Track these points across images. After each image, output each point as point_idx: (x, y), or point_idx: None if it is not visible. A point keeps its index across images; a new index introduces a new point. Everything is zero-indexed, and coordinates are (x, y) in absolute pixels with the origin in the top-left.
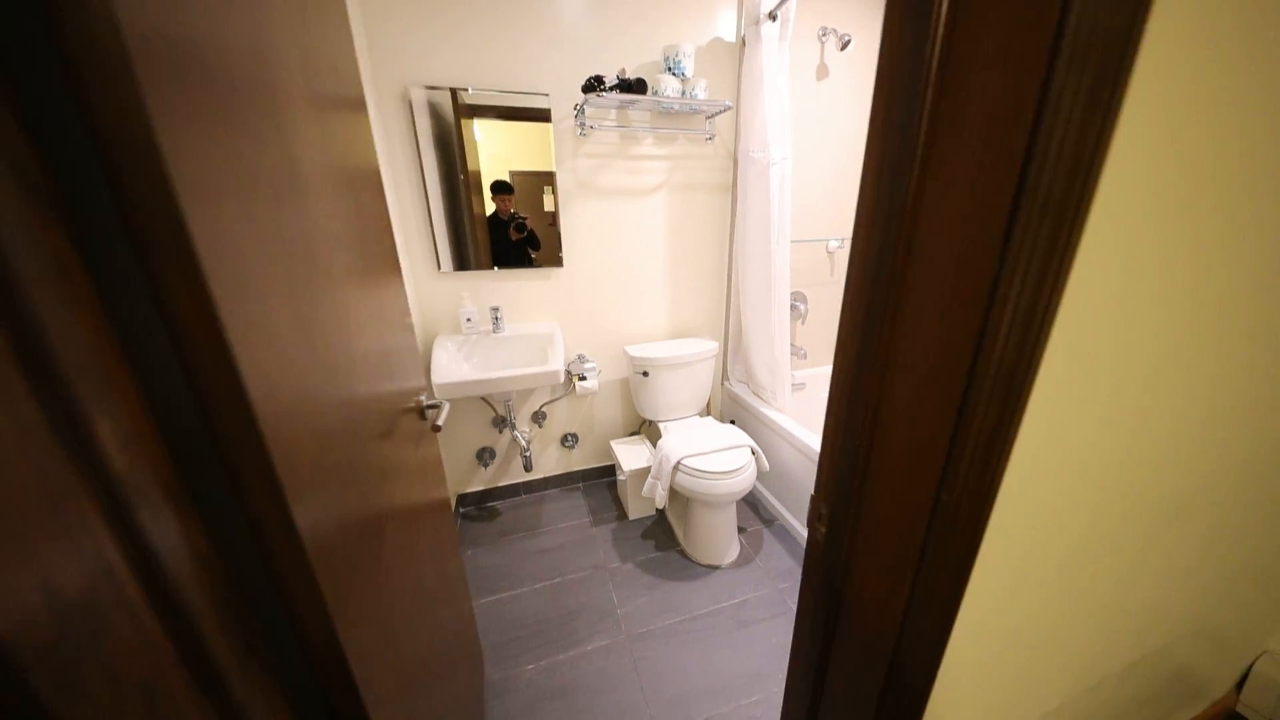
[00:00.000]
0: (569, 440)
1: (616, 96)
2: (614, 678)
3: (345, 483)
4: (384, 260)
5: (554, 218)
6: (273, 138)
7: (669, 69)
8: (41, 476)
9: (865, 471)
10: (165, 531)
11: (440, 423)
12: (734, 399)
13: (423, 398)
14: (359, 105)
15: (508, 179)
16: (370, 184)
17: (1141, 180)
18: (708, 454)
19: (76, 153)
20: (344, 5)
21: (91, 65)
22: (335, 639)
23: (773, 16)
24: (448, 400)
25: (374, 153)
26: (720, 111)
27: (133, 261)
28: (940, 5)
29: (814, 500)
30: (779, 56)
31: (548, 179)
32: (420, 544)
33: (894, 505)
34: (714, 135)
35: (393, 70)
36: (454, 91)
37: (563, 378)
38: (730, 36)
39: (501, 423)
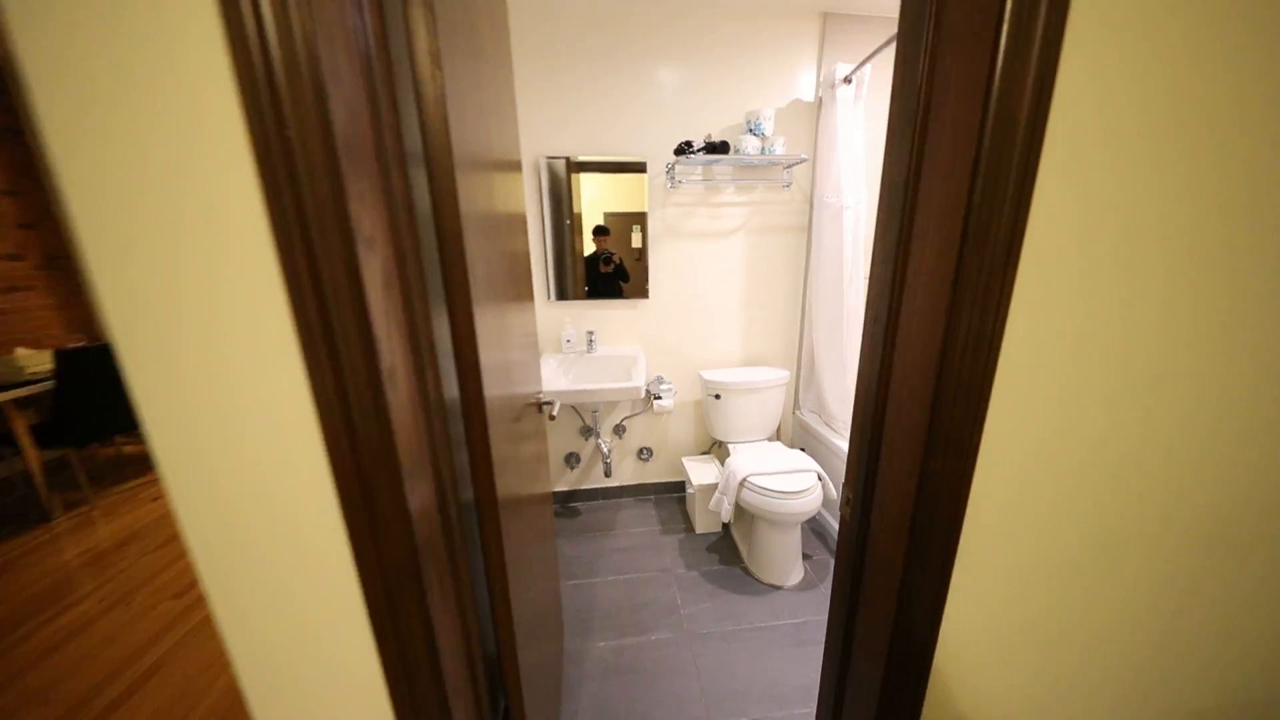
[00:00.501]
0: (644, 454)
1: (703, 157)
2: (673, 667)
3: (508, 462)
4: (527, 288)
5: (640, 253)
6: (495, 193)
7: (750, 130)
8: (417, 435)
9: (876, 457)
10: (424, 491)
11: (554, 414)
12: (804, 427)
13: (541, 395)
14: (519, 169)
15: (603, 220)
16: (522, 227)
17: (1052, 234)
18: (774, 474)
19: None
20: (515, 106)
21: (441, 166)
22: (505, 578)
23: (848, 80)
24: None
25: (523, 204)
26: (797, 163)
27: (436, 284)
28: (915, 144)
29: (843, 488)
30: (853, 114)
31: (637, 219)
32: (537, 522)
33: (896, 479)
34: (791, 183)
35: (530, 144)
36: (568, 159)
37: (643, 394)
38: (808, 97)
39: (588, 432)
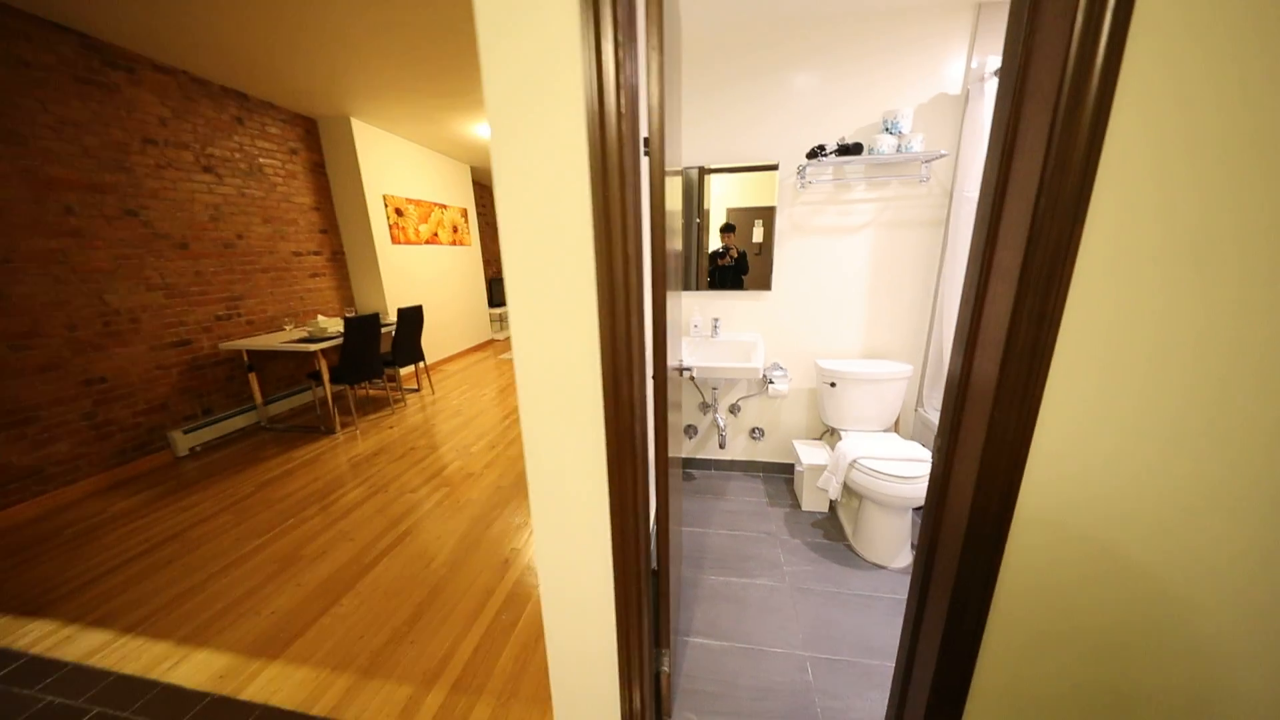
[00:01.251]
0: (756, 433)
1: (834, 159)
2: (774, 606)
3: (670, 413)
4: (678, 279)
5: (760, 248)
6: (669, 198)
7: (886, 129)
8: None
9: (961, 409)
10: (643, 422)
11: (693, 376)
12: (926, 424)
13: (680, 364)
14: (675, 175)
15: (726, 217)
16: (677, 226)
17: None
18: (887, 460)
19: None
20: (680, 117)
21: (657, 178)
22: (667, 506)
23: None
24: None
25: (679, 204)
26: (936, 158)
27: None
28: (1003, 166)
29: (936, 436)
30: None
31: (759, 214)
32: (674, 473)
33: (972, 425)
34: (929, 178)
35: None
36: (701, 167)
37: (761, 376)
38: (954, 90)
39: (706, 408)
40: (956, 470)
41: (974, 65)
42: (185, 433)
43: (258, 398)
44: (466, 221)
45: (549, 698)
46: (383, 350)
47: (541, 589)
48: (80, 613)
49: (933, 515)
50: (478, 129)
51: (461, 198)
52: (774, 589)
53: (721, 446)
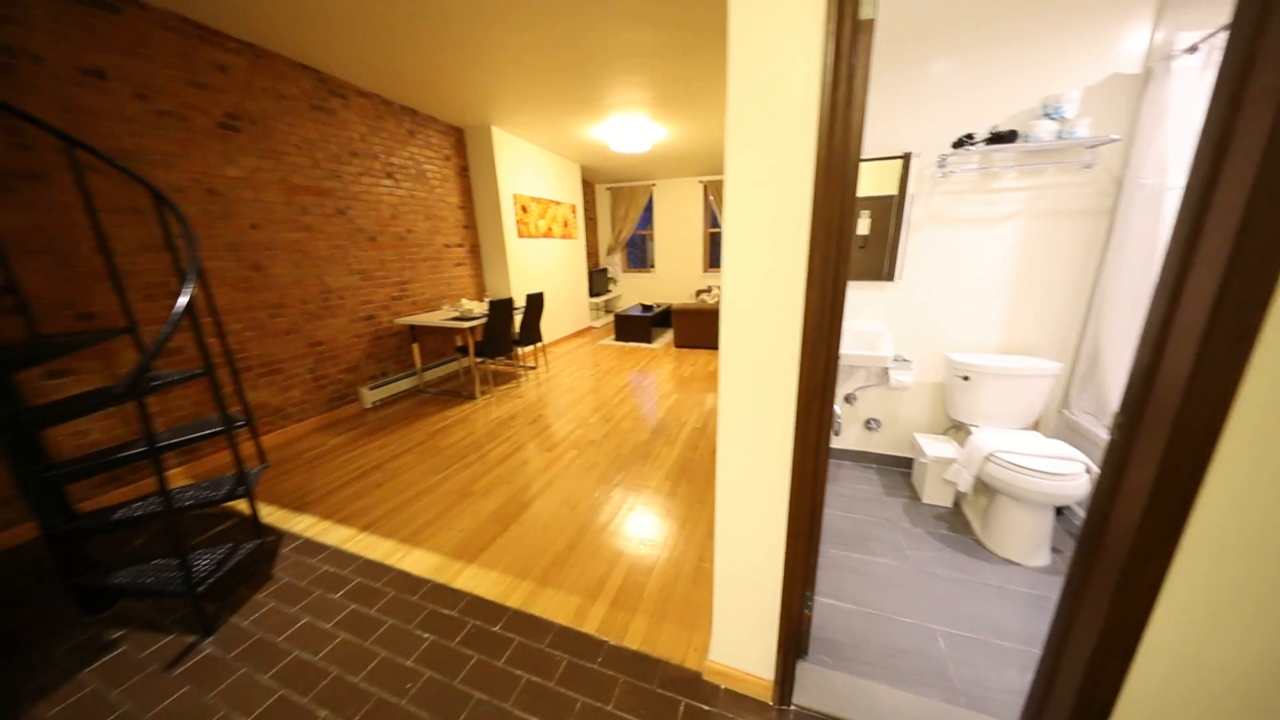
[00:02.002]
0: (872, 424)
1: (983, 147)
2: (897, 582)
3: None
4: None
5: (866, 240)
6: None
7: (1046, 115)
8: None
9: (1145, 396)
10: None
11: None
12: (1074, 428)
13: None
14: None
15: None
16: None
17: None
18: (1032, 455)
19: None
20: None
21: (852, 179)
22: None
23: (1193, 49)
24: None
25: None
26: (1105, 143)
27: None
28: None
29: (1116, 415)
30: (1196, 86)
31: (867, 204)
32: None
33: (1157, 415)
34: (1094, 164)
35: None
36: None
37: (886, 365)
38: (1131, 69)
39: None
40: (1132, 469)
41: (1158, 41)
42: (370, 389)
43: (418, 364)
44: (575, 216)
45: (694, 621)
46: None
47: (718, 516)
48: (329, 513)
49: (1098, 515)
50: (592, 130)
51: (572, 194)
52: (897, 568)
53: (836, 433)
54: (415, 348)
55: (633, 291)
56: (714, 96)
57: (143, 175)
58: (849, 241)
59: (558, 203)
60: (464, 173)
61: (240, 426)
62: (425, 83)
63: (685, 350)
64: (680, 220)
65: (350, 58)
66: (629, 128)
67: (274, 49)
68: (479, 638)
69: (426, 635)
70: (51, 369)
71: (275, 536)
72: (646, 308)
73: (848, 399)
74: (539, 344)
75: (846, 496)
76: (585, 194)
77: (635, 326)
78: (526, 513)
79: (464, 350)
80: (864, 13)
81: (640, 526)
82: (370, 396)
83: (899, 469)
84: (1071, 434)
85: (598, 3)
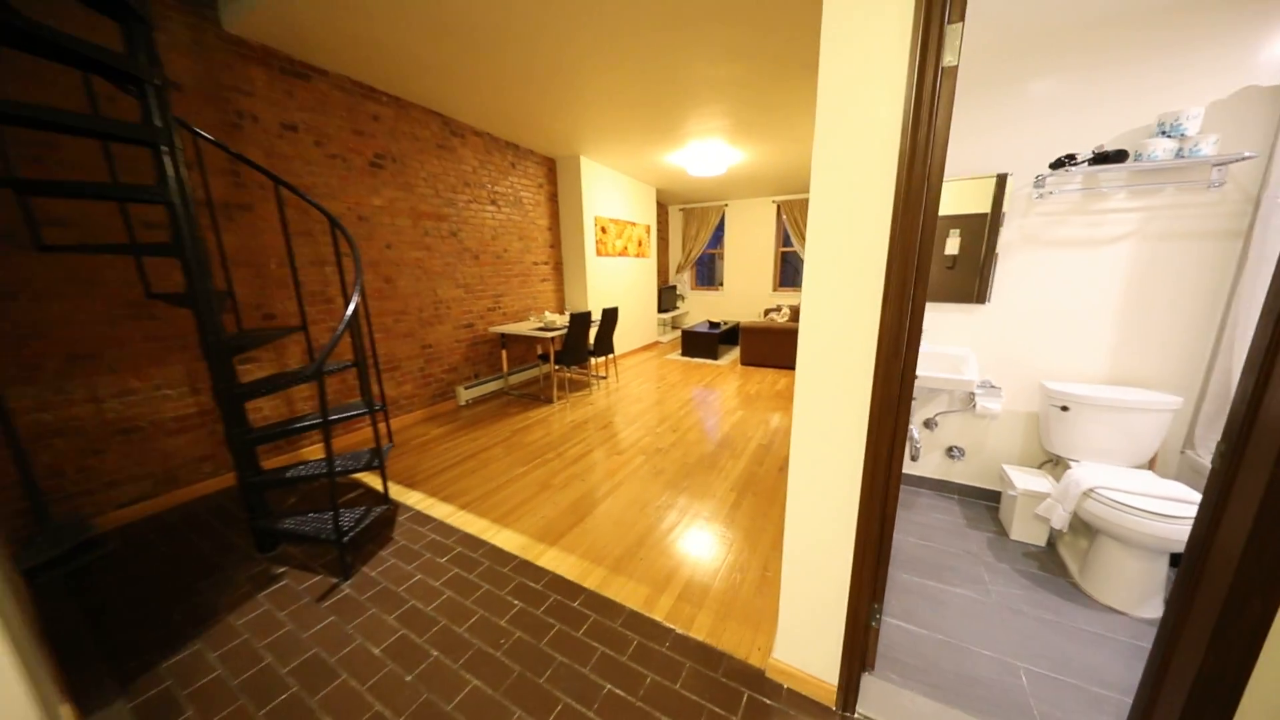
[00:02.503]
0: (955, 452)
1: (1086, 168)
2: (977, 614)
3: None
4: None
5: (955, 260)
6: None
7: (1163, 133)
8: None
9: (1249, 422)
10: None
11: None
12: (1200, 471)
13: None
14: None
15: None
16: None
17: None
18: (1141, 494)
19: None
20: None
21: (934, 195)
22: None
23: None
24: None
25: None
26: (1235, 160)
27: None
28: None
29: (1218, 443)
30: None
31: (958, 223)
32: None
33: (1262, 442)
34: (1223, 183)
35: None
36: None
37: (972, 390)
38: (1271, 80)
39: None
40: (1235, 498)
41: None
42: (466, 388)
43: (505, 369)
44: (649, 236)
45: (758, 624)
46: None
47: (789, 517)
48: (434, 491)
49: (1198, 548)
50: (670, 157)
51: (647, 215)
52: (977, 601)
53: (913, 459)
54: (504, 354)
55: (700, 308)
56: (792, 121)
57: (297, 206)
58: (927, 265)
59: (634, 223)
60: (553, 198)
61: (378, 410)
62: (527, 121)
63: (752, 368)
64: (751, 240)
65: (470, 103)
66: (706, 153)
67: (412, 100)
68: (560, 610)
69: (516, 602)
70: (243, 357)
71: (394, 506)
72: (713, 324)
73: (927, 424)
74: (610, 355)
75: (922, 524)
76: (659, 215)
77: (702, 343)
78: (599, 508)
79: (545, 358)
80: (946, 60)
81: (705, 532)
82: (465, 395)
83: (984, 501)
84: (1196, 476)
85: (692, 43)
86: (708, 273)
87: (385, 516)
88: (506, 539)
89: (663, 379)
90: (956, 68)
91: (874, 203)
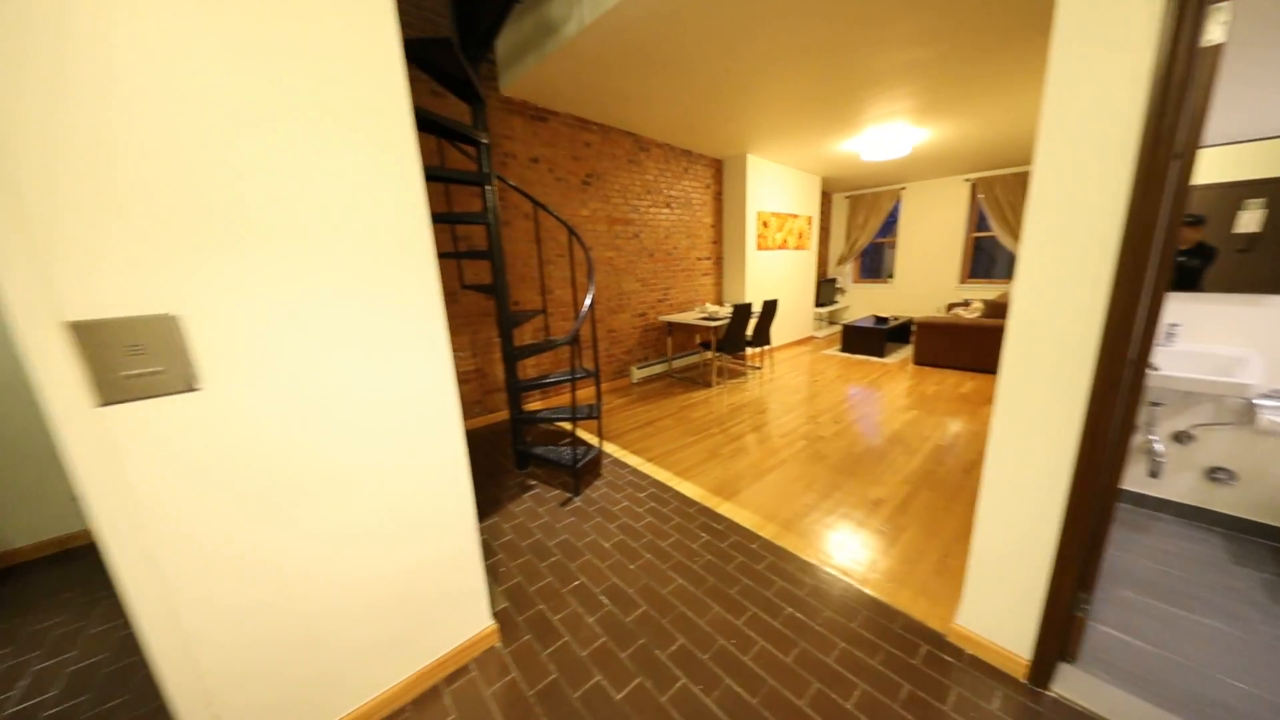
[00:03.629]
0: (1220, 475)
1: None
2: (1229, 647)
3: None
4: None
5: (1252, 240)
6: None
7: None
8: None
9: None
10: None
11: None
12: None
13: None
14: None
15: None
16: None
17: None
18: None
19: None
20: None
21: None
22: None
23: None
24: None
25: None
26: None
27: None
28: None
29: None
30: None
31: (1255, 188)
32: None
33: None
34: None
35: None
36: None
37: (1254, 397)
38: None
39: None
40: None
41: None
42: (638, 369)
43: (669, 353)
44: (810, 228)
45: (937, 598)
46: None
47: (985, 480)
48: (624, 445)
49: None
50: (843, 145)
51: (809, 206)
52: (1234, 636)
53: (1152, 475)
54: (669, 340)
55: (862, 303)
56: (992, 93)
57: (544, 219)
58: (1171, 249)
59: (795, 216)
60: (717, 197)
61: (594, 374)
62: (701, 128)
63: (927, 369)
64: (933, 225)
65: (656, 121)
66: (885, 136)
67: (613, 125)
68: (740, 548)
69: (702, 535)
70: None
71: (599, 451)
72: (880, 320)
73: (1179, 437)
74: (766, 347)
75: (1162, 550)
76: (822, 205)
77: (866, 339)
78: (766, 478)
79: (705, 345)
80: (1210, 37)
81: (875, 515)
82: (637, 374)
83: (1262, 539)
84: None
85: (875, 38)
86: (874, 264)
87: (595, 458)
88: (688, 489)
89: (820, 373)
90: (1223, 45)
91: (1107, 179)
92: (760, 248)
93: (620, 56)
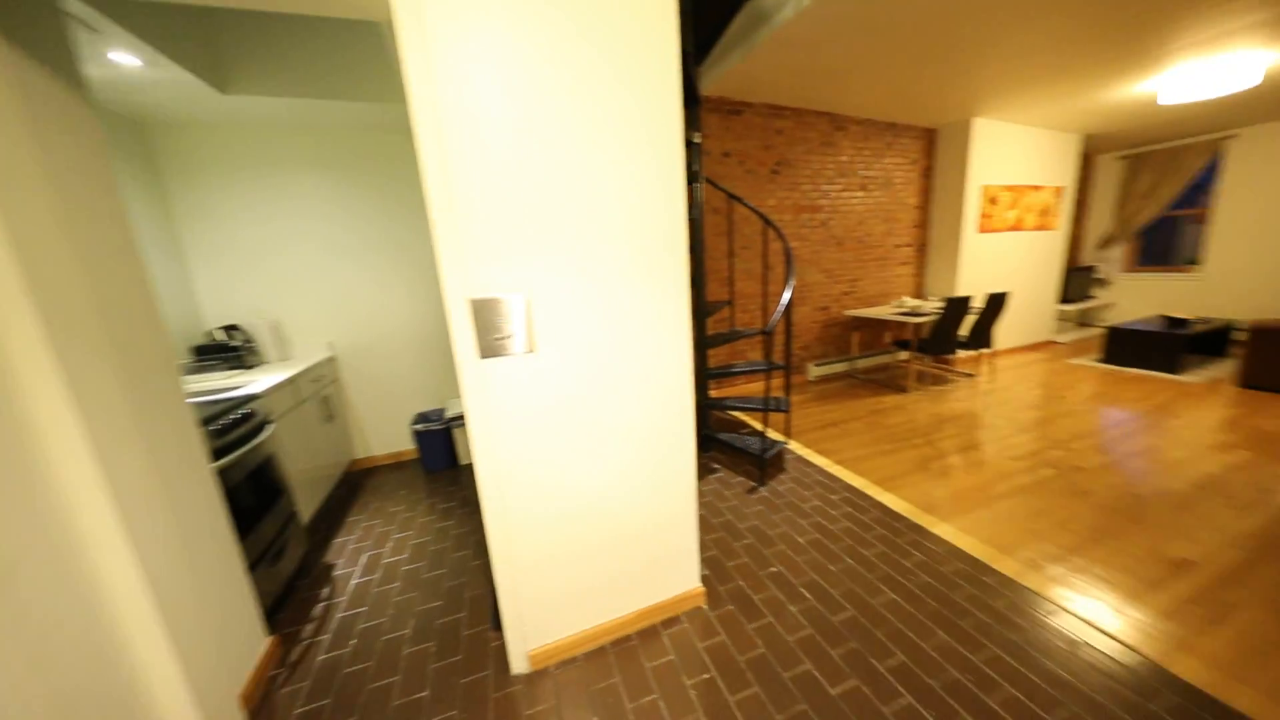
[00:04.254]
0: None
1: None
2: None
3: None
4: None
5: None
6: None
7: None
8: None
9: None
10: None
11: None
12: None
13: None
14: None
15: None
16: None
17: None
18: None
19: None
20: None
21: None
22: None
23: None
24: None
25: None
26: None
27: None
28: None
29: None
30: None
31: None
32: None
33: None
34: None
35: None
36: None
37: None
38: None
39: None
40: None
41: None
42: (816, 366)
43: (854, 352)
44: (1058, 201)
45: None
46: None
47: None
48: (807, 443)
49: None
50: (1135, 87)
51: (1060, 175)
52: None
53: None
54: (854, 337)
55: (1135, 299)
56: None
57: (730, 213)
58: None
59: (1038, 188)
60: (926, 173)
61: (785, 368)
62: (913, 95)
63: (1264, 394)
64: None
65: (860, 95)
66: (1208, 67)
67: (808, 107)
68: (969, 578)
69: (914, 553)
70: None
71: (784, 446)
72: (1175, 322)
73: None
74: (986, 350)
75: None
76: (1080, 171)
77: (1149, 347)
78: (996, 505)
79: (903, 345)
80: None
81: (1180, 577)
82: (814, 371)
83: None
84: None
85: None
86: (1161, 246)
87: (780, 452)
88: (890, 500)
89: (1066, 387)
90: None
91: None
92: (984, 229)
93: (833, 32)
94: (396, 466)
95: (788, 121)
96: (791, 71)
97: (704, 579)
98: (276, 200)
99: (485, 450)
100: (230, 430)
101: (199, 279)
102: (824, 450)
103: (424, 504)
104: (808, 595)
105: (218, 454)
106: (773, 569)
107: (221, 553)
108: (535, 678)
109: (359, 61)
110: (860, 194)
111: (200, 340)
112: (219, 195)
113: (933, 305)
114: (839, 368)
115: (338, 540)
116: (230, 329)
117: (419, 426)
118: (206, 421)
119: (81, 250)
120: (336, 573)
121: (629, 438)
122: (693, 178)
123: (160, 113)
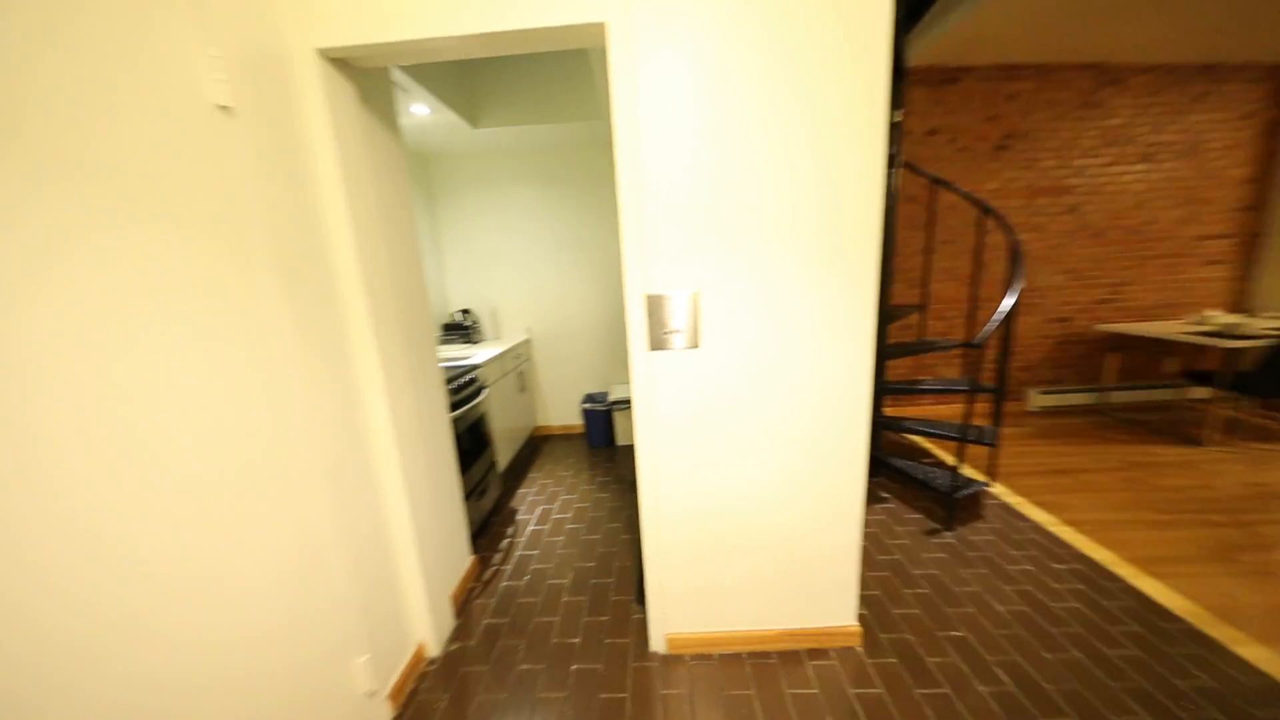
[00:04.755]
0: None
1: None
2: None
3: None
4: None
5: None
6: None
7: None
8: None
9: None
10: None
11: None
12: None
13: None
14: None
15: None
16: None
17: None
18: None
19: None
20: None
21: None
22: None
23: None
24: None
25: None
26: None
27: None
28: None
29: None
30: None
31: None
32: None
33: None
34: None
35: None
36: None
37: None
38: None
39: None
40: None
41: None
42: (1040, 393)
43: (1108, 380)
44: None
45: None
46: None
47: None
48: (1021, 491)
49: None
50: None
51: None
52: None
53: None
54: (1107, 360)
55: None
56: None
57: (935, 199)
58: None
59: None
60: (1269, 131)
61: (998, 391)
62: (1258, 10)
63: None
64: None
65: (1151, 30)
66: None
67: (1059, 61)
68: None
69: (1200, 674)
70: None
71: (983, 487)
72: None
73: None
74: None
75: None
76: None
77: None
78: None
79: (1201, 377)
80: None
81: None
82: (1037, 400)
83: None
84: None
85: None
86: None
87: (977, 494)
88: (1158, 592)
89: None
90: None
91: None
92: None
93: None
94: (566, 437)
95: (1026, 83)
96: (1038, 17)
97: (861, 618)
98: (502, 210)
99: (647, 437)
100: (460, 390)
101: (448, 272)
102: (1046, 504)
103: (586, 474)
104: (1005, 679)
105: (452, 408)
106: (956, 633)
107: (451, 482)
108: (671, 661)
109: (568, 88)
110: (1141, 167)
111: (445, 320)
112: (466, 208)
113: (1265, 325)
114: (1080, 399)
115: (521, 490)
116: (464, 312)
117: (586, 405)
118: (447, 382)
119: (390, 251)
120: (519, 517)
121: (789, 445)
122: (889, 163)
123: (434, 146)
